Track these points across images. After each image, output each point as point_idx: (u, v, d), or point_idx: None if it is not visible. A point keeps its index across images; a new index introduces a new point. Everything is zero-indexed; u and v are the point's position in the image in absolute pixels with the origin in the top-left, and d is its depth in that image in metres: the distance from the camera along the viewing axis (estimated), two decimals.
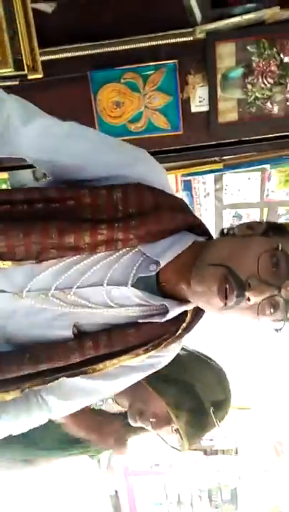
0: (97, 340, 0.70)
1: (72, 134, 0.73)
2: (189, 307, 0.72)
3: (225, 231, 0.74)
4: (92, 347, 0.69)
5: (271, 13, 1.25)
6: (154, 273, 0.69)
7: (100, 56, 1.34)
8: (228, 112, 1.37)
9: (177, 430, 0.96)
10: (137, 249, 0.70)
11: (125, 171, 0.71)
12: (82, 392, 0.75)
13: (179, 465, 3.36)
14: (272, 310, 0.64)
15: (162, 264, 0.68)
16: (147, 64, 1.36)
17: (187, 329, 0.74)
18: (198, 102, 1.38)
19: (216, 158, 1.50)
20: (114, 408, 1.06)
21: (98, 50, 1.33)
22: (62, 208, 0.68)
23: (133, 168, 0.72)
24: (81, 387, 0.73)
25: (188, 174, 1.66)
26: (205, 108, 1.38)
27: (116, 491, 3.43)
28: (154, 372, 0.79)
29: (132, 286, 0.69)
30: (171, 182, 1.88)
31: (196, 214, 2.11)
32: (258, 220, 2.07)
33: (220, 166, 1.49)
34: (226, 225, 2.11)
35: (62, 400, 0.75)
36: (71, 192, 0.69)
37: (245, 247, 0.67)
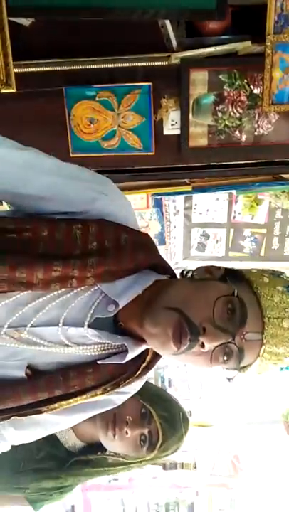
0: (51, 382, 0.67)
1: (32, 165, 0.69)
2: (149, 345, 0.70)
3: (184, 273, 0.73)
4: (45, 390, 0.67)
5: (243, 46, 1.31)
6: (112, 314, 0.67)
7: (76, 73, 1.35)
8: (199, 136, 1.41)
9: (150, 433, 0.98)
10: (95, 288, 0.67)
11: (88, 206, 0.69)
12: (40, 424, 0.73)
13: (138, 479, 3.34)
14: (225, 358, 0.63)
15: (121, 305, 0.66)
16: (123, 84, 1.38)
17: (148, 368, 0.72)
18: (171, 125, 1.41)
19: (186, 180, 1.54)
20: (70, 440, 1.04)
21: (74, 67, 1.34)
22: (18, 240, 0.65)
23: (96, 203, 0.70)
24: (39, 420, 0.71)
25: (159, 194, 1.69)
26: (177, 131, 1.41)
27: (72, 506, 3.36)
28: None
29: (88, 326, 0.66)
30: (142, 198, 1.91)
31: (166, 231, 2.16)
32: (223, 237, 2.12)
33: (189, 188, 1.53)
34: (193, 243, 2.15)
35: (20, 430, 0.73)
36: (29, 223, 0.66)
37: (201, 290, 0.66)
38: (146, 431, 0.98)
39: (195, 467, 3.37)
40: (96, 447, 1.03)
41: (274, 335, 0.62)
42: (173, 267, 2.42)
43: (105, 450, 1.03)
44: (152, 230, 2.07)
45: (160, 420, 0.99)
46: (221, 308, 0.63)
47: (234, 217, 2.06)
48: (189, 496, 3.43)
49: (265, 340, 0.62)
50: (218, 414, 3.02)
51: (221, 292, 0.64)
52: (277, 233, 2.08)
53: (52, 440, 1.02)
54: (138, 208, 1.92)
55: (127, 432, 0.98)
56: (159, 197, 1.75)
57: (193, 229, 2.14)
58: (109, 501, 3.44)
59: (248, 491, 3.13)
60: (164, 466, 3.42)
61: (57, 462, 1.01)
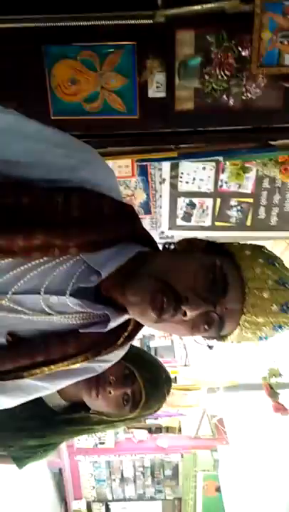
0: (33, 349, 0.67)
1: (11, 129, 0.66)
2: (131, 315, 0.70)
3: (166, 246, 0.73)
4: (27, 356, 0.67)
5: (231, 5, 1.26)
6: (94, 284, 0.67)
7: (56, 30, 1.28)
8: (185, 100, 1.36)
9: (133, 393, 0.99)
10: (78, 258, 0.67)
11: (70, 174, 0.67)
12: (21, 390, 0.73)
13: (124, 442, 3.45)
14: (206, 326, 0.64)
15: (103, 275, 0.66)
16: (106, 43, 1.32)
17: (129, 337, 0.73)
18: (156, 87, 1.36)
19: (172, 146, 1.51)
20: (54, 399, 1.05)
21: (54, 24, 1.27)
22: None
23: (79, 172, 0.68)
24: (21, 385, 0.72)
25: (144, 160, 1.65)
26: (162, 94, 1.36)
27: (60, 469, 3.47)
28: None
29: (70, 295, 0.66)
30: (127, 167, 1.87)
31: (151, 200, 2.13)
32: (210, 207, 2.11)
33: (175, 154, 1.50)
34: (179, 212, 2.14)
35: (2, 395, 0.73)
36: (9, 189, 0.64)
37: (184, 261, 0.67)
38: (129, 391, 0.99)
39: (180, 431, 3.49)
40: (80, 406, 1.04)
41: (254, 304, 0.63)
42: (158, 236, 2.38)
43: (89, 409, 1.04)
44: (137, 199, 2.04)
45: (143, 381, 1.00)
46: (203, 278, 0.64)
47: (221, 186, 2.04)
48: (174, 458, 3.57)
49: (245, 310, 0.64)
50: (203, 380, 3.10)
51: (203, 263, 0.65)
52: (264, 203, 2.07)
53: (36, 399, 1.03)
54: (123, 177, 1.88)
55: (110, 392, 0.99)
56: (144, 163, 1.71)
57: (179, 198, 2.12)
58: (95, 464, 3.56)
59: (231, 452, 3.26)
60: (150, 430, 3.53)
61: (41, 421, 1.02)
